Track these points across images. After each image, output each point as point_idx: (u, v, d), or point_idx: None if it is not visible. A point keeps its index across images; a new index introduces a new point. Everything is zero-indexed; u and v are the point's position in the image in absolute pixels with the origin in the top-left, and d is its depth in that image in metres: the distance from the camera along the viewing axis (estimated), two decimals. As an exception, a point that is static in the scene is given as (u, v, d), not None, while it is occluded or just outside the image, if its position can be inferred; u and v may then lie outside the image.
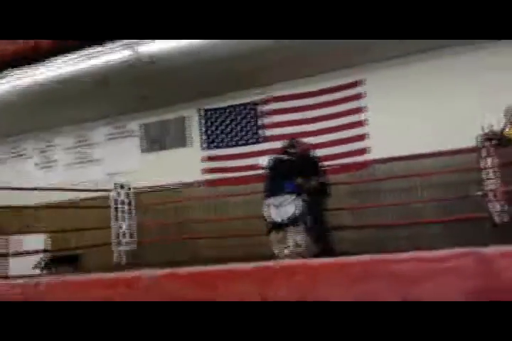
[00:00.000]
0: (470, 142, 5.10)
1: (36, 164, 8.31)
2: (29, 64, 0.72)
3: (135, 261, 6.88)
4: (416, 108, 5.87)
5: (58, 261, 5.81)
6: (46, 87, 5.88)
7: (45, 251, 6.39)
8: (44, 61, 0.72)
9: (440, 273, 0.48)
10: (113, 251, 6.95)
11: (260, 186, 6.35)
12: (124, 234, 6.61)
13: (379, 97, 6.08)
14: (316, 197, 4.89)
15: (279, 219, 4.66)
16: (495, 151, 4.55)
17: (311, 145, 5.21)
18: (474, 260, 0.48)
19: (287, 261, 0.54)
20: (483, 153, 4.60)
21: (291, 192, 4.69)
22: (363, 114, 6.17)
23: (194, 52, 5.40)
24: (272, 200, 4.74)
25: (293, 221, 4.64)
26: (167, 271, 0.56)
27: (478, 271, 0.47)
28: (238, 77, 6.31)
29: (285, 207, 4.67)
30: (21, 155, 8.47)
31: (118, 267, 6.50)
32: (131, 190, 6.97)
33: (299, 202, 4.64)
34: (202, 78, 6.27)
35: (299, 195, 4.69)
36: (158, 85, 6.47)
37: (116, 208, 6.69)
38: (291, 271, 0.51)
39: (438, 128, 5.58)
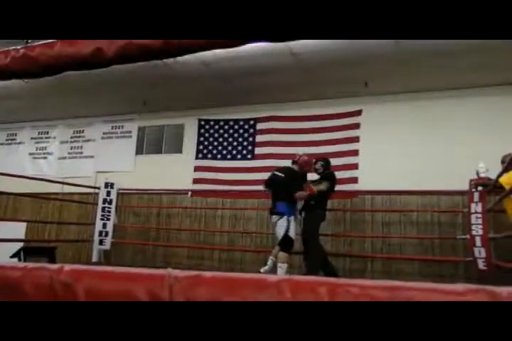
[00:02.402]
0: (449, 185, 5.25)
1: (30, 153, 8.27)
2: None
3: (107, 260, 6.84)
4: (409, 144, 5.96)
5: (35, 251, 5.72)
6: (52, 79, 5.87)
7: (24, 240, 6.33)
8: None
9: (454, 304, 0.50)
10: (87, 249, 6.91)
11: (246, 202, 6.46)
12: (106, 233, 6.57)
13: (371, 129, 6.19)
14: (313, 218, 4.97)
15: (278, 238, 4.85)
16: (485, 197, 4.64)
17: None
18: (487, 296, 0.50)
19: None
20: (476, 197, 4.66)
21: (279, 213, 4.81)
22: (358, 144, 6.26)
23: (204, 62, 5.47)
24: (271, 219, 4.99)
25: (280, 242, 4.79)
26: (193, 272, 0.58)
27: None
28: (242, 92, 6.39)
29: (277, 228, 4.83)
30: (17, 143, 8.45)
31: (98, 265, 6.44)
32: (120, 190, 6.96)
33: (286, 223, 4.75)
34: (206, 89, 6.34)
35: (289, 215, 4.82)
36: (161, 90, 6.52)
37: (103, 207, 6.67)
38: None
39: (424, 167, 5.69)
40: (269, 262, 4.78)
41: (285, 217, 4.76)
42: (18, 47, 0.76)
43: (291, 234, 4.75)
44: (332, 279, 0.53)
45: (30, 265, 0.63)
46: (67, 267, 0.61)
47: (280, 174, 5.07)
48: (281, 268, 4.63)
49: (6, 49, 0.77)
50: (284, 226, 4.74)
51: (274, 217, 4.87)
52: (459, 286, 0.52)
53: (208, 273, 0.57)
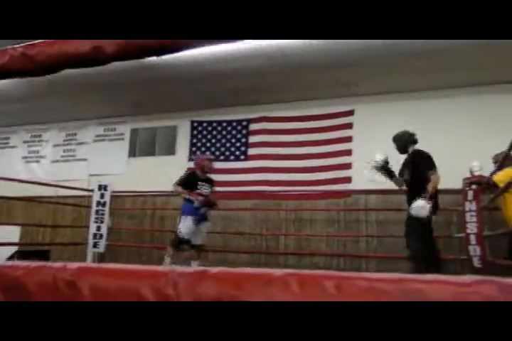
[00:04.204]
0: (443, 184, 5.24)
1: (23, 157, 8.23)
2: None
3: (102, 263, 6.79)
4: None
5: (29, 255, 5.69)
6: (44, 82, 5.82)
7: (18, 244, 6.30)
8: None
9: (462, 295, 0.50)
10: (82, 252, 6.87)
11: (239, 203, 6.44)
12: (100, 236, 6.54)
13: (364, 129, 6.20)
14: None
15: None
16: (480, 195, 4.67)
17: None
18: (496, 287, 0.50)
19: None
20: (470, 196, 4.69)
21: (184, 213, 5.01)
22: (351, 143, 6.27)
23: (196, 64, 5.46)
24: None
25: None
26: (197, 268, 0.58)
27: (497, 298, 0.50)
28: (234, 93, 6.40)
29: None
30: (10, 147, 8.41)
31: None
32: (113, 193, 6.92)
33: (180, 221, 4.96)
34: (199, 90, 6.34)
35: (185, 214, 4.98)
36: (153, 92, 6.51)
37: (97, 209, 6.64)
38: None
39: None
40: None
41: (183, 217, 4.95)
42: (16, 46, 0.75)
43: (182, 231, 4.89)
44: (339, 273, 0.53)
45: (33, 264, 0.62)
46: (71, 265, 0.61)
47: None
48: (165, 262, 4.87)
49: (4, 48, 0.76)
50: (180, 223, 4.94)
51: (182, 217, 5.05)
52: (467, 278, 0.52)
53: (212, 269, 0.57)
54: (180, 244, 4.96)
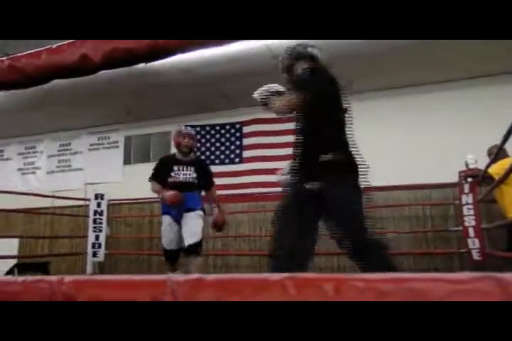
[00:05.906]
0: (439, 178, 5.25)
1: (19, 169, 8.20)
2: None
3: (102, 273, 6.76)
4: (396, 140, 5.98)
5: (28, 267, 5.66)
6: (35, 94, 5.79)
7: (17, 257, 6.27)
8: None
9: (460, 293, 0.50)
10: (81, 262, 6.83)
11: (236, 206, 6.42)
12: (99, 245, 6.51)
13: (357, 127, 6.19)
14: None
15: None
16: (476, 188, 4.69)
17: None
18: (493, 283, 0.50)
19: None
20: (466, 189, 4.70)
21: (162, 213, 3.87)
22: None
23: (185, 69, 5.46)
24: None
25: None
26: (194, 276, 0.58)
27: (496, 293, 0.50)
28: (225, 96, 6.39)
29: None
30: (4, 159, 8.39)
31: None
32: (110, 201, 6.89)
33: (165, 225, 3.79)
34: (190, 95, 6.33)
35: (165, 213, 3.80)
36: (144, 99, 6.50)
37: (95, 218, 6.60)
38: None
39: (413, 162, 5.70)
40: None
41: (162, 218, 3.83)
42: (3, 58, 0.75)
43: (162, 238, 3.78)
44: (337, 274, 0.52)
45: (29, 278, 0.62)
46: (68, 278, 0.60)
47: None
48: None
49: (-11, 60, 0.76)
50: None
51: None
52: (464, 275, 0.52)
53: (209, 276, 0.57)
54: (168, 256, 3.80)
